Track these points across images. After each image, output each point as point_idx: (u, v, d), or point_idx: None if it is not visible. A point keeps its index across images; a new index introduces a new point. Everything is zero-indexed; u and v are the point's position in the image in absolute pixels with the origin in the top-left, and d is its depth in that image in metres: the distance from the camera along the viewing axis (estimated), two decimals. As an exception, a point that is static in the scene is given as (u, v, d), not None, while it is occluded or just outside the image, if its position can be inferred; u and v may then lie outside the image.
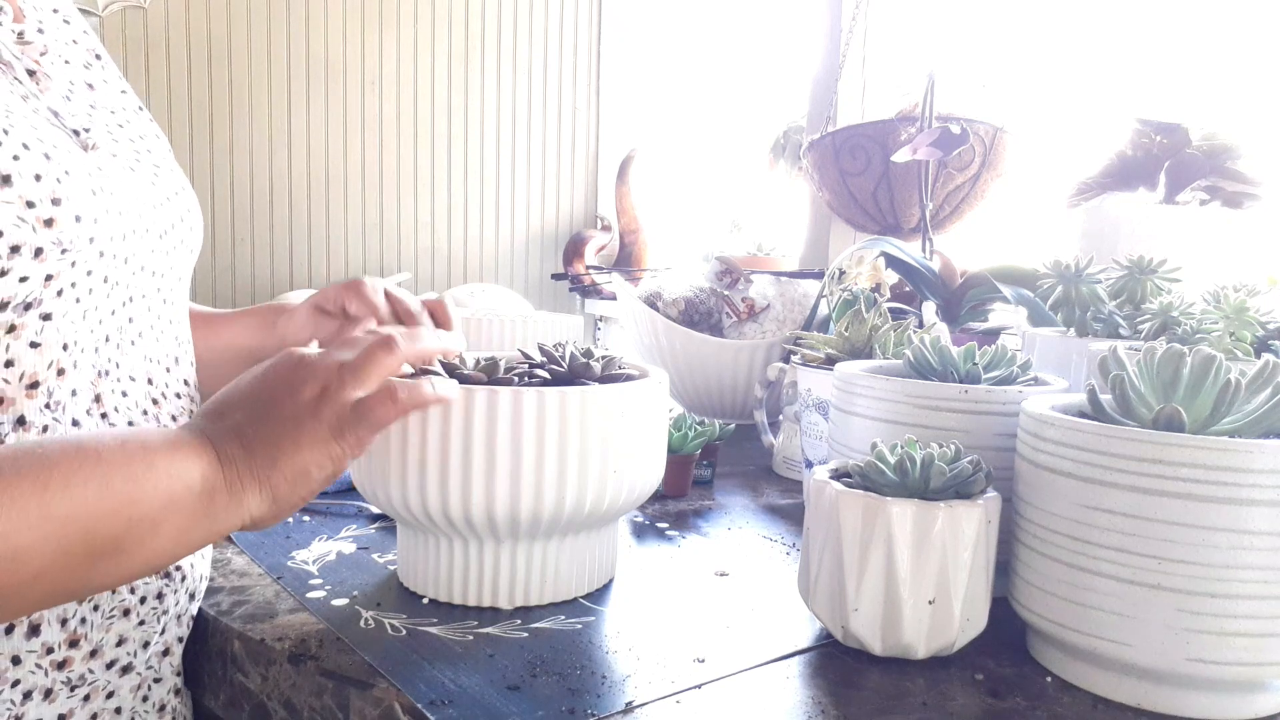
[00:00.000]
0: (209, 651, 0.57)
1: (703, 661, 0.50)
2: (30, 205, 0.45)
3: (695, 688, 0.47)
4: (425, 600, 0.58)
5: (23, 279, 0.46)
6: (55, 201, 0.46)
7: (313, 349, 0.50)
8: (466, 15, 2.13)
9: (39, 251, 0.46)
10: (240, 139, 1.94)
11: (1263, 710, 0.46)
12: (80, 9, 0.63)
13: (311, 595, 0.58)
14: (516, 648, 0.51)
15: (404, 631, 0.53)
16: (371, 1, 2.02)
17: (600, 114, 2.31)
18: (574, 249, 2.19)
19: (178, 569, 0.57)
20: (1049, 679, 0.50)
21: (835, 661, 0.51)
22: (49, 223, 0.46)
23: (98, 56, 0.61)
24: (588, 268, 2.15)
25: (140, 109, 0.62)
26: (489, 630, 0.54)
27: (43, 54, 0.54)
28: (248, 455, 0.45)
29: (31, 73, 0.52)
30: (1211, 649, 0.43)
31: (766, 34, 2.01)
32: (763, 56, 2.01)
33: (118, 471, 0.41)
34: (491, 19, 2.15)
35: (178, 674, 0.57)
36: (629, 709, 0.45)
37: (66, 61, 0.57)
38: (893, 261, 1.08)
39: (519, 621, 0.55)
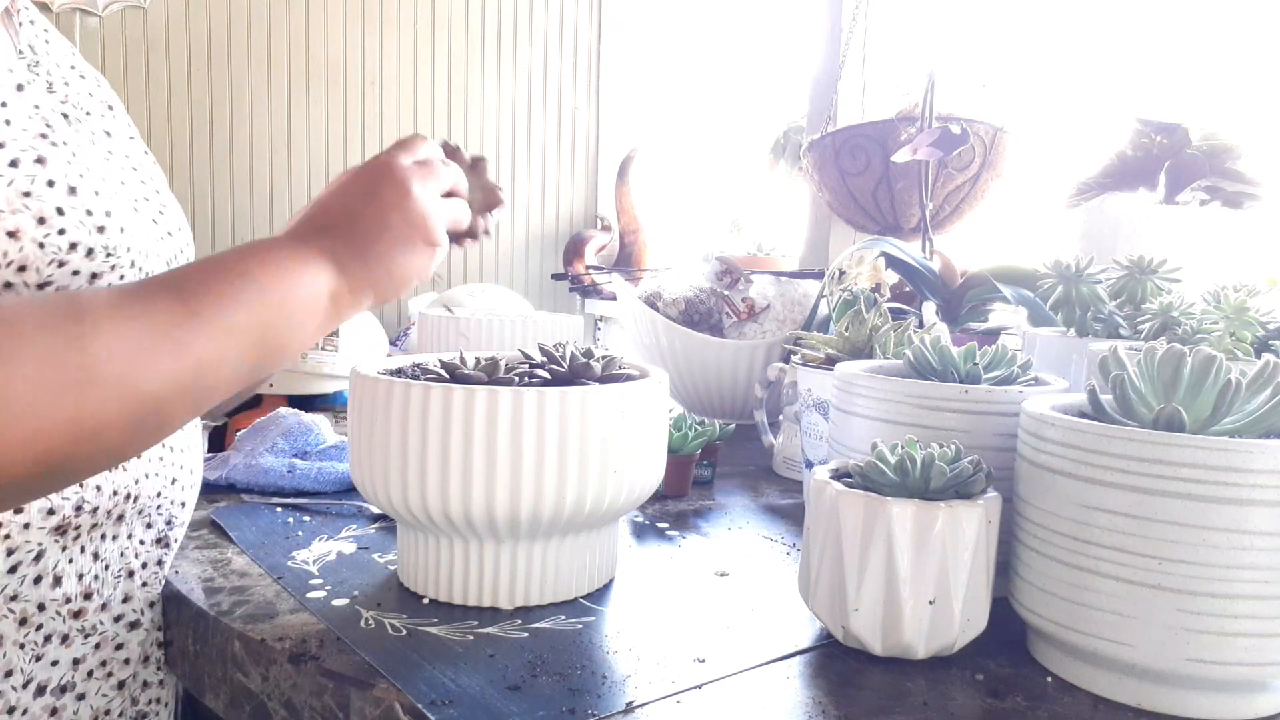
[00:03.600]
0: (209, 652, 0.57)
1: (703, 661, 0.50)
2: (89, 213, 0.54)
3: (696, 688, 0.47)
4: (425, 600, 0.58)
5: (75, 273, 0.53)
6: (108, 213, 0.55)
7: (400, 159, 0.59)
8: (466, 15, 2.13)
9: (90, 251, 0.53)
10: (240, 139, 1.93)
11: (1264, 710, 0.46)
12: (80, 9, 0.68)
13: (312, 595, 0.58)
14: (517, 648, 0.51)
15: (404, 631, 0.53)
16: (371, 1, 2.02)
17: (600, 114, 2.31)
18: (574, 249, 2.19)
19: (175, 540, 0.65)
20: (1049, 679, 0.50)
21: (835, 661, 0.51)
22: (101, 230, 0.54)
23: (110, 107, 0.68)
24: (588, 268, 2.15)
25: (146, 152, 0.70)
26: (489, 630, 0.54)
27: (64, 101, 0.61)
28: (364, 264, 0.55)
29: (65, 115, 0.59)
30: (1212, 649, 0.43)
31: (766, 34, 2.01)
32: (763, 56, 2.01)
33: (270, 287, 0.50)
34: (491, 19, 2.15)
35: (158, 628, 0.64)
36: (629, 709, 0.45)
37: (87, 113, 0.64)
38: (893, 261, 1.08)
39: (519, 621, 0.55)
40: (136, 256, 0.58)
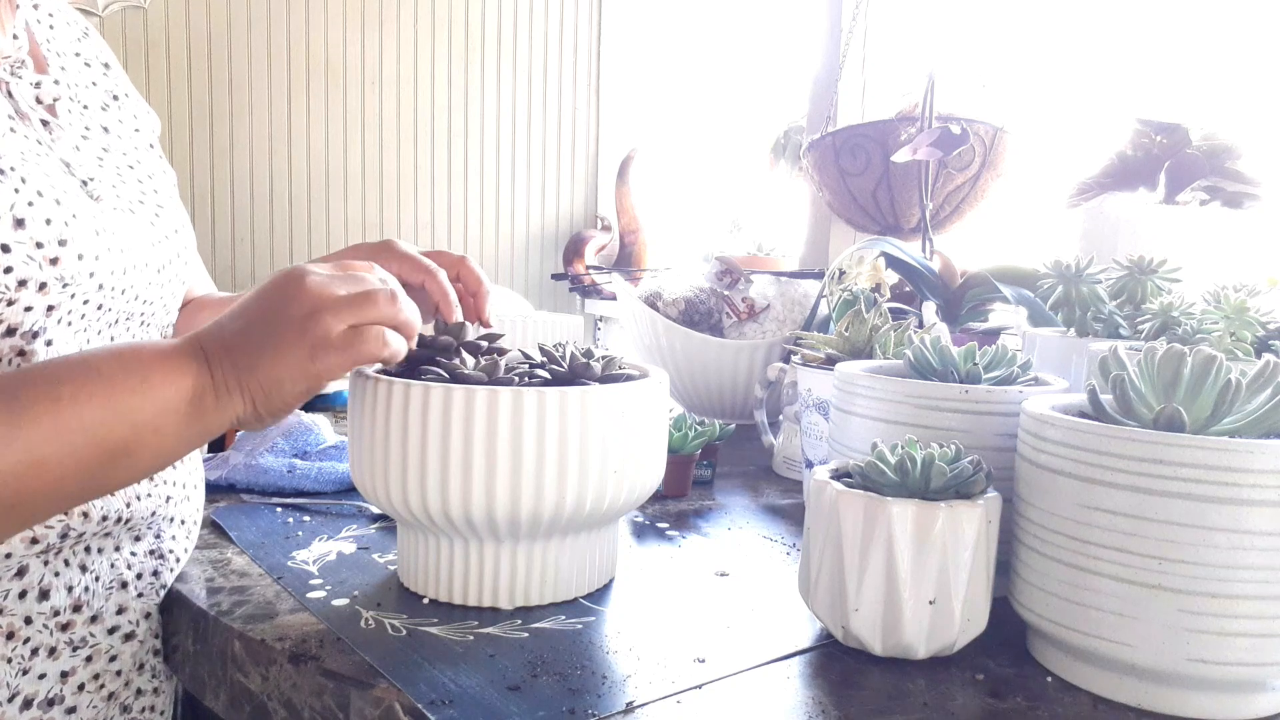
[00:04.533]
0: (209, 652, 0.57)
1: (703, 661, 0.50)
2: (39, 246, 0.51)
3: (696, 688, 0.47)
4: (425, 600, 0.58)
5: (28, 309, 0.51)
6: (62, 243, 0.52)
7: (316, 270, 0.51)
8: (466, 15, 2.13)
9: (43, 285, 0.51)
10: (240, 138, 1.93)
11: (1263, 710, 0.46)
12: (80, 9, 0.67)
13: (312, 595, 0.58)
14: (517, 648, 0.51)
15: (404, 631, 0.53)
16: (371, 1, 2.02)
17: (600, 114, 2.31)
18: (574, 249, 2.19)
19: (171, 551, 0.64)
20: (1049, 679, 0.50)
21: (836, 661, 0.51)
22: (54, 261, 0.52)
23: (115, 97, 0.66)
24: (588, 268, 2.15)
25: (151, 146, 0.67)
26: (489, 630, 0.54)
27: (56, 99, 0.59)
28: (231, 360, 0.49)
29: (45, 123, 0.58)
30: (1212, 649, 0.43)
31: (766, 34, 2.01)
32: (763, 56, 2.01)
33: (119, 385, 0.46)
34: (491, 19, 2.15)
35: (156, 636, 0.63)
36: (629, 709, 0.45)
37: (85, 107, 0.62)
38: (893, 261, 1.08)
39: (519, 621, 0.55)
40: (106, 278, 0.56)
